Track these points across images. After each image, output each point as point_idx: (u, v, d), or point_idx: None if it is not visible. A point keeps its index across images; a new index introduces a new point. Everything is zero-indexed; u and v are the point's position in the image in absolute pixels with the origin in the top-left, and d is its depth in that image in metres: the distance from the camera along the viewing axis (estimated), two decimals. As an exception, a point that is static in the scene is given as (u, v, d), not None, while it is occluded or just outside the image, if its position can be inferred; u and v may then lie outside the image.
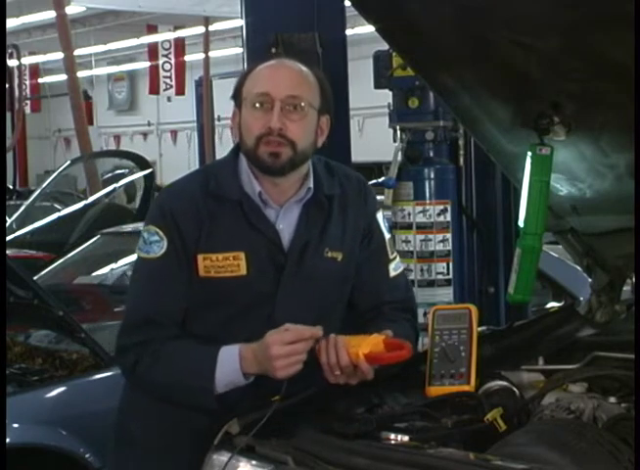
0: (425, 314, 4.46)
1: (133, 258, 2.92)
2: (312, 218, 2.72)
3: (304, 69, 2.70)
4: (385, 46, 3.97)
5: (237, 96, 2.70)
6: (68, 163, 9.44)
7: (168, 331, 2.66)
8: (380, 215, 2.86)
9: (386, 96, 5.01)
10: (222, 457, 2.42)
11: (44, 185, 8.99)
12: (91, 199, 9.32)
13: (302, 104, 2.64)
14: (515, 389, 2.68)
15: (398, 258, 2.90)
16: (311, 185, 2.72)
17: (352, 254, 2.77)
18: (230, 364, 2.58)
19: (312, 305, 2.68)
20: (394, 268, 2.85)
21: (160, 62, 24.71)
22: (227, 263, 2.65)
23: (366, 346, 2.54)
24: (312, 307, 2.68)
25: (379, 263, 2.82)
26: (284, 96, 2.62)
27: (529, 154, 2.96)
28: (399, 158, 4.80)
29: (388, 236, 2.86)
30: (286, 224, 2.70)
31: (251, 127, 2.64)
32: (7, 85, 9.67)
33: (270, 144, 2.62)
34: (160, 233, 2.66)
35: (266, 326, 2.58)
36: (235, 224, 2.67)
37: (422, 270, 4.77)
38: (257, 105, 2.63)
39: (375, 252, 2.82)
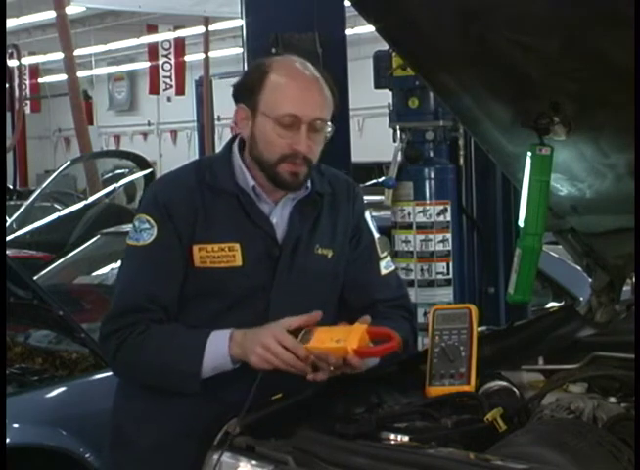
0: (425, 314, 4.47)
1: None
2: (304, 214, 2.74)
3: (320, 78, 2.68)
4: (385, 46, 3.97)
5: (250, 98, 2.66)
6: (68, 163, 9.42)
7: (154, 315, 2.64)
8: (368, 216, 2.88)
9: (386, 96, 5.02)
10: (222, 457, 2.42)
11: (44, 185, 8.97)
12: (91, 199, 9.29)
13: (324, 125, 2.66)
14: (515, 389, 2.68)
15: (389, 257, 2.91)
16: (309, 184, 2.73)
17: (342, 252, 2.79)
18: (219, 348, 2.58)
19: (305, 303, 2.67)
20: (385, 267, 2.86)
21: (160, 62, 24.71)
22: (222, 254, 2.65)
23: (353, 339, 2.51)
24: (305, 306, 2.65)
25: (369, 262, 2.83)
26: (311, 119, 2.63)
27: (529, 154, 2.96)
28: (399, 158, 4.80)
29: (376, 235, 2.88)
30: (279, 219, 2.72)
31: (275, 144, 2.64)
32: (7, 85, 9.67)
33: (294, 165, 2.64)
34: (151, 221, 2.66)
35: (259, 322, 2.59)
36: (231, 216, 2.68)
37: (422, 270, 4.77)
38: (284, 124, 2.62)
39: (364, 250, 2.83)
